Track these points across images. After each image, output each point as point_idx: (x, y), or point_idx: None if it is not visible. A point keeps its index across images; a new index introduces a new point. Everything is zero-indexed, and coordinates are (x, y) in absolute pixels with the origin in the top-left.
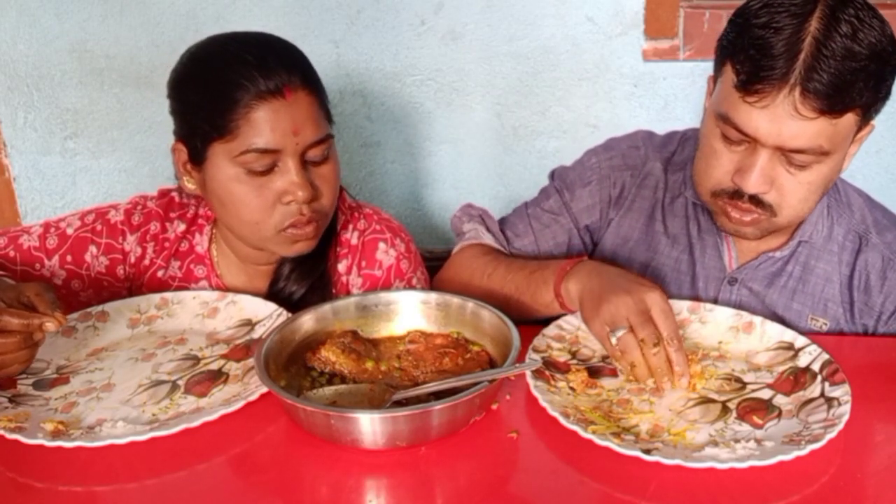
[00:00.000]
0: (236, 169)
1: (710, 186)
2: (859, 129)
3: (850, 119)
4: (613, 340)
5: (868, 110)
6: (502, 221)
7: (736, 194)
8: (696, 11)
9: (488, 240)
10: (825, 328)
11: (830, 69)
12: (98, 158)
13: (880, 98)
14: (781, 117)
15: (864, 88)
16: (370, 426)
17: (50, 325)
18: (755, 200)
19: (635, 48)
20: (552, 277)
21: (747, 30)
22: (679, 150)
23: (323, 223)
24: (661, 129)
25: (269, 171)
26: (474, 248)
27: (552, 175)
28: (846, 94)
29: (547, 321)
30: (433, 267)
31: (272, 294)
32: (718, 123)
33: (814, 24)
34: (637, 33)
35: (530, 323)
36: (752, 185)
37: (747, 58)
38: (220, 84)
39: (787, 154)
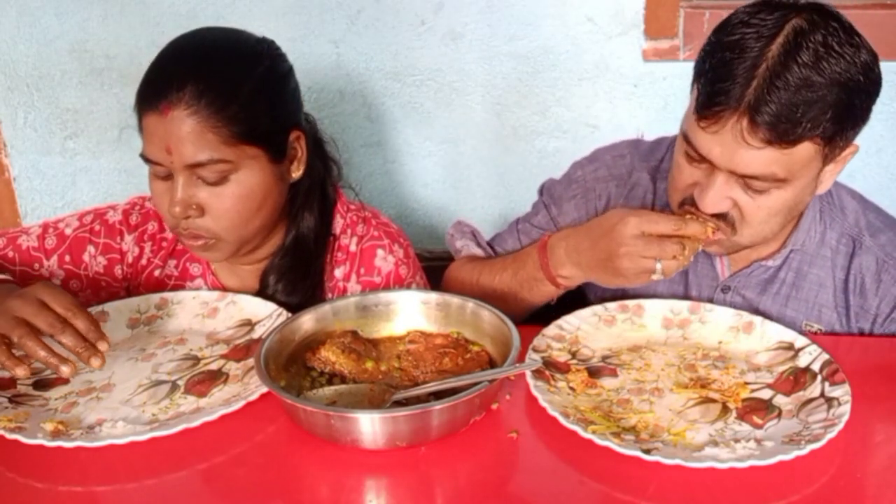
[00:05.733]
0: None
1: (676, 197)
2: (829, 155)
3: (807, 147)
4: (660, 274)
5: (831, 139)
6: (495, 237)
7: (696, 208)
8: (696, 11)
9: (478, 253)
10: (820, 334)
11: (781, 100)
12: (98, 158)
13: (847, 126)
14: (730, 144)
15: (820, 118)
16: (370, 426)
17: (66, 370)
18: (717, 215)
19: (635, 48)
20: (542, 275)
21: (716, 50)
22: (668, 157)
23: (221, 244)
24: (661, 129)
25: (169, 176)
26: (462, 260)
27: (541, 190)
28: (797, 126)
29: (547, 321)
30: (433, 267)
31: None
32: (682, 141)
33: (774, 50)
34: (637, 33)
35: (530, 323)
36: (707, 204)
37: (707, 81)
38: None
39: (743, 179)
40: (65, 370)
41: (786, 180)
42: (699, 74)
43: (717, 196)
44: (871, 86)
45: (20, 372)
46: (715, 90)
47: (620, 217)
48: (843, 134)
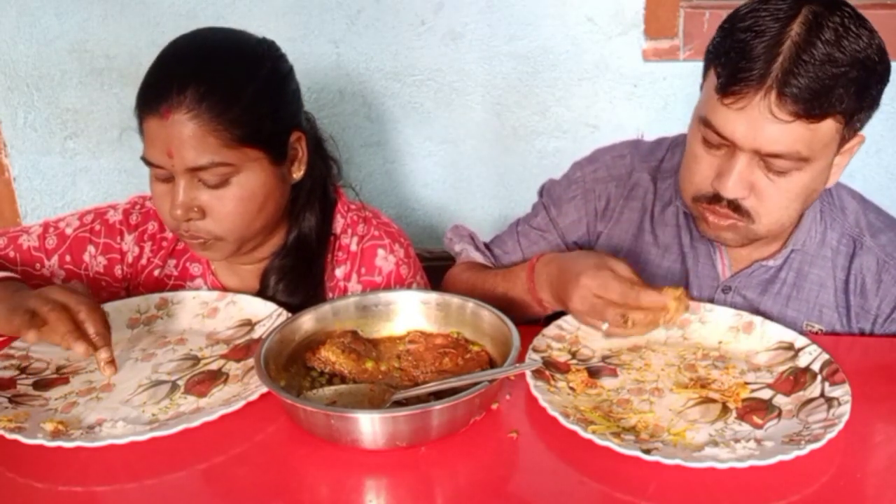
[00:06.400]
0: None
1: (691, 192)
2: (844, 140)
3: (829, 125)
4: (604, 329)
5: (851, 118)
6: (495, 239)
7: (715, 199)
8: (696, 11)
9: (477, 257)
10: (820, 334)
11: (809, 73)
12: (98, 158)
13: (864, 107)
14: (758, 120)
15: (844, 94)
16: (370, 426)
17: (80, 349)
18: (733, 206)
19: (635, 48)
20: (530, 298)
21: (731, 34)
22: (668, 157)
23: (222, 243)
24: (661, 129)
25: (170, 178)
26: (461, 266)
27: (541, 191)
28: (824, 99)
29: (547, 321)
30: (432, 267)
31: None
32: (700, 127)
33: (795, 29)
34: (637, 33)
35: (530, 323)
36: (729, 189)
37: (728, 60)
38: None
39: (765, 159)
40: (80, 349)
41: (807, 160)
42: (717, 57)
43: (739, 179)
44: (884, 70)
45: (30, 336)
46: (739, 67)
47: (583, 270)
48: (859, 115)
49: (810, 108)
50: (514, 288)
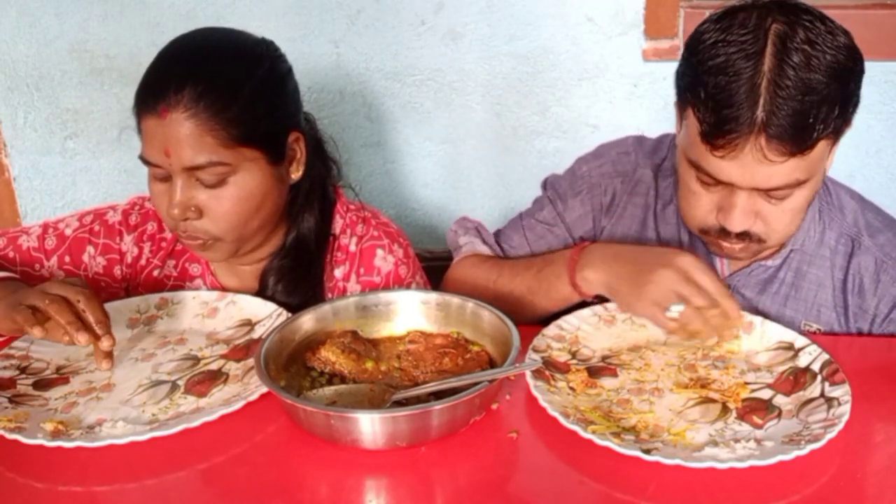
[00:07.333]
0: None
1: (696, 225)
2: (836, 144)
3: (821, 146)
4: (674, 314)
5: (840, 129)
6: (498, 233)
7: (723, 232)
8: (696, 11)
9: (484, 250)
10: (819, 334)
11: (790, 110)
12: (98, 158)
13: (850, 112)
14: (751, 164)
15: (829, 116)
16: (370, 426)
17: (82, 339)
18: (743, 234)
19: (635, 48)
20: (564, 271)
21: (704, 73)
22: (670, 155)
23: (220, 244)
24: (661, 129)
25: (168, 178)
26: (471, 259)
27: (545, 184)
28: (812, 130)
29: (547, 321)
30: (432, 267)
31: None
32: (691, 168)
33: (767, 64)
34: (637, 33)
35: (530, 323)
36: (735, 224)
37: (708, 109)
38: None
39: (766, 191)
40: (82, 338)
41: (806, 181)
42: (694, 99)
43: (743, 214)
44: (857, 65)
45: (37, 332)
46: (722, 118)
47: (683, 252)
48: (846, 121)
49: (801, 143)
50: (554, 263)
